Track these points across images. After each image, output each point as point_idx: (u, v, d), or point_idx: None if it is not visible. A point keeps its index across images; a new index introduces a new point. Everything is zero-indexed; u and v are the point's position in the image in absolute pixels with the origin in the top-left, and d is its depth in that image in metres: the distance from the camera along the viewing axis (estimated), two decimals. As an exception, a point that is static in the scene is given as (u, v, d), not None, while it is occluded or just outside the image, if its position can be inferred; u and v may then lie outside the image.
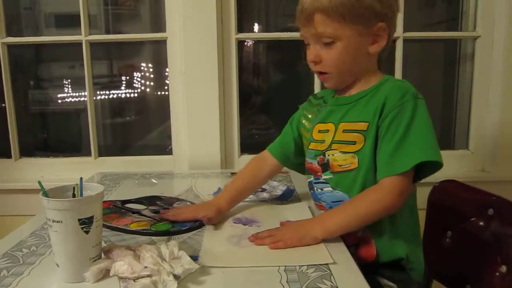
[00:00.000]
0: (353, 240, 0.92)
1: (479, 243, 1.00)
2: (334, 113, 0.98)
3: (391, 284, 0.93)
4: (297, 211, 1.03)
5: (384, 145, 0.87)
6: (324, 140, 0.97)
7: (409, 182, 0.87)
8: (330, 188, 0.96)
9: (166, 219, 0.96)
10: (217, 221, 0.97)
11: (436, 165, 0.86)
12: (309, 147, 1.02)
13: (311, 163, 1.00)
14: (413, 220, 0.97)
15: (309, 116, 1.06)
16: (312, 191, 1.02)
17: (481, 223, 1.01)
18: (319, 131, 0.99)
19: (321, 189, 0.98)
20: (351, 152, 0.92)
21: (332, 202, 0.96)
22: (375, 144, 0.89)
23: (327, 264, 0.75)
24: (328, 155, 0.95)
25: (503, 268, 0.92)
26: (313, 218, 0.93)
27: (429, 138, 0.86)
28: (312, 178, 1.01)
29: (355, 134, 0.91)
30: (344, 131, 0.94)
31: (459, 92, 1.75)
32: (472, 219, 1.03)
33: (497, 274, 0.93)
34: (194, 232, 0.92)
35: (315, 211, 1.03)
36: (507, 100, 1.55)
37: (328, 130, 0.97)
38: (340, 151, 0.93)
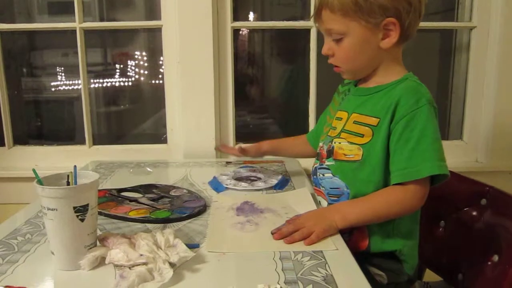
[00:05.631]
0: (347, 228, 0.92)
1: (471, 233, 1.01)
2: (350, 102, 0.99)
3: (379, 272, 0.93)
4: (299, 198, 1.03)
5: (399, 149, 0.86)
6: (336, 128, 0.98)
7: (428, 186, 0.87)
8: (330, 175, 0.96)
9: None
10: (252, 155, 1.27)
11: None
12: (324, 131, 1.03)
13: (322, 148, 1.01)
14: (414, 217, 0.96)
15: (335, 103, 1.07)
16: (314, 176, 1.03)
17: (474, 213, 1.02)
18: (336, 118, 1.00)
19: (323, 175, 0.98)
20: (357, 144, 0.92)
21: (331, 188, 0.96)
22: (384, 143, 0.88)
23: (322, 252, 0.75)
24: (335, 142, 0.96)
25: (495, 257, 0.93)
26: (331, 207, 0.92)
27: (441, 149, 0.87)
28: (317, 164, 1.02)
29: (365, 127, 0.92)
30: (355, 122, 0.94)
31: (454, 82, 1.75)
32: (465, 209, 1.05)
33: (489, 263, 0.94)
34: (191, 220, 0.92)
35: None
36: (502, 91, 1.56)
37: (342, 118, 0.98)
38: (348, 141, 0.93)
